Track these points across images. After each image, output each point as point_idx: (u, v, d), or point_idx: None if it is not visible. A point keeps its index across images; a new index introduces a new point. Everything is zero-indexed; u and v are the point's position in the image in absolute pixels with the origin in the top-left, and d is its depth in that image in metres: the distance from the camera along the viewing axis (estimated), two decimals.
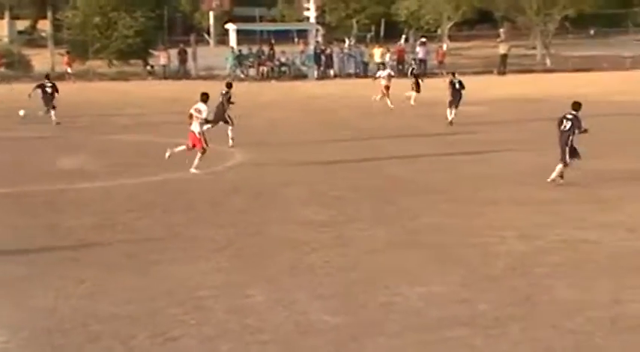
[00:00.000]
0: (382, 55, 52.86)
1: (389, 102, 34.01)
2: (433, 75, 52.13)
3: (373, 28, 64.33)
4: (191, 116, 20.90)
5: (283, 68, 52.20)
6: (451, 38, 65.10)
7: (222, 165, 22.30)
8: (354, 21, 67.52)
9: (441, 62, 54.23)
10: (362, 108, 35.03)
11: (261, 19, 73.87)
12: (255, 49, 52.79)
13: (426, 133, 27.55)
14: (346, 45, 56.25)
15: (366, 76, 51.36)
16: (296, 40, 57.85)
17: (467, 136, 26.26)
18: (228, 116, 25.00)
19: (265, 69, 51.85)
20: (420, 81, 36.39)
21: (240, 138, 24.85)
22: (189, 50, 51.79)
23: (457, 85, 30.05)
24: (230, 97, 25.35)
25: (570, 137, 18.82)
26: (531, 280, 11.88)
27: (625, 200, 16.97)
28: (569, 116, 18.93)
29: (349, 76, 51.91)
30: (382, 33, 62.88)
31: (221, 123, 24.65)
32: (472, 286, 11.65)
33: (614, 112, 31.56)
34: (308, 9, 60.18)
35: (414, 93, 35.58)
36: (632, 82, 41.46)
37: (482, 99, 35.23)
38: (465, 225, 15.28)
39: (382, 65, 36.43)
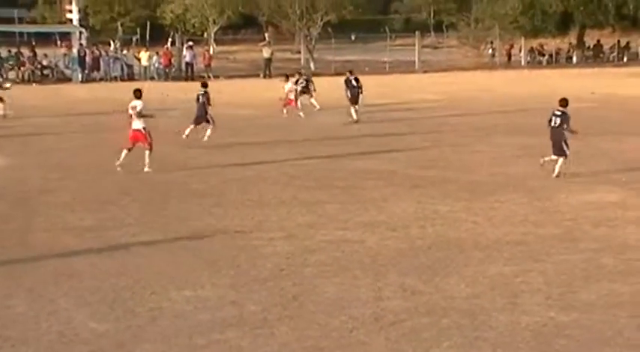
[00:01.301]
0: (149, 59, 52.56)
1: (300, 114, 32.58)
2: (201, 78, 52.28)
3: (139, 31, 63.79)
4: (131, 115, 20.68)
5: (46, 71, 50.86)
6: (217, 42, 65.47)
7: None
8: (118, 24, 66.68)
9: (207, 65, 54.39)
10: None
11: (21, 20, 71.65)
12: (15, 51, 51.12)
13: (196, 136, 27.47)
14: (112, 48, 55.48)
15: (131, 80, 50.88)
16: (59, 42, 56.50)
17: (235, 140, 26.42)
18: (210, 116, 24.78)
19: (26, 72, 50.32)
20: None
21: (1, 144, 23.98)
22: None
23: (354, 82, 30.56)
24: (209, 97, 25.07)
25: (563, 132, 19.53)
26: (298, 280, 12.10)
27: (387, 201, 17.54)
28: (558, 112, 19.63)
29: (115, 79, 51.20)
30: (148, 36, 62.44)
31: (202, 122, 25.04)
32: (241, 288, 11.74)
33: (375, 116, 32.60)
34: (70, 11, 58.88)
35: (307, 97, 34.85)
36: (391, 85, 43.00)
37: (249, 102, 35.58)
38: (233, 227, 15.37)
39: (285, 78, 35.50)
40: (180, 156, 23.59)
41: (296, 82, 34.32)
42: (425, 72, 55.85)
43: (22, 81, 49.60)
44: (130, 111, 20.90)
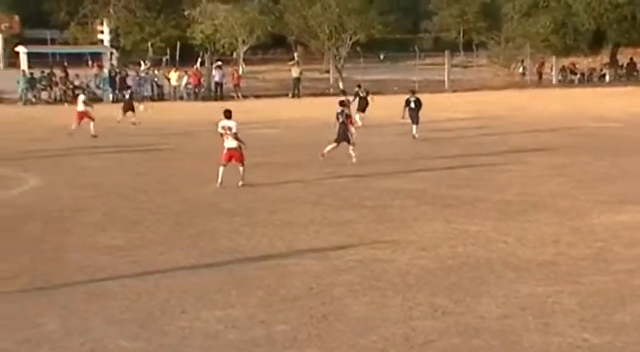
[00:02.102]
0: (179, 79, 52.83)
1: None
2: (230, 98, 52.48)
3: (169, 51, 64.21)
4: (222, 135, 21.39)
5: (77, 91, 51.17)
6: (246, 62, 65.74)
7: (15, 190, 21.65)
8: (149, 44, 67.12)
9: (236, 85, 54.59)
10: (160, 130, 34.77)
11: (54, 41, 72.39)
12: (47, 72, 51.61)
13: None
14: (142, 68, 55.86)
15: (162, 99, 51.17)
16: (90, 63, 56.99)
17: (263, 159, 26.45)
18: (350, 134, 24.94)
19: (58, 92, 50.72)
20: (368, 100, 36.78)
21: (35, 163, 24.18)
22: None
23: (413, 104, 30.91)
24: (349, 115, 25.33)
25: None
26: (328, 300, 12.08)
27: (417, 220, 17.49)
28: None
29: (145, 99, 51.48)
30: (178, 56, 62.83)
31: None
32: (270, 307, 11.74)
33: (404, 135, 32.59)
34: (102, 32, 59.42)
35: (360, 114, 35.90)
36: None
37: (276, 121, 35.65)
38: (262, 246, 15.39)
39: (343, 93, 36.58)
40: (209, 175, 23.64)
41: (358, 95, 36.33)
42: (455, 91, 55.76)
43: (54, 101, 50.00)
44: (221, 131, 21.56)
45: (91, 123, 32.85)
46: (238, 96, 53.10)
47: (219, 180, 21.41)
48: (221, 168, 21.51)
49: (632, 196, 19.65)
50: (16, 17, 72.18)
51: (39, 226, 17.45)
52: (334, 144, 25.19)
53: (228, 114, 21.69)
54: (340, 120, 25.35)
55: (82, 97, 34.79)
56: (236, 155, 21.60)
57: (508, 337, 10.45)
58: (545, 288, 12.48)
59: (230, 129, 21.47)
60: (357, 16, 60.69)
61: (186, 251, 15.13)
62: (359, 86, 38.37)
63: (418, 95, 32.55)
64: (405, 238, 15.85)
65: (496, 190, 20.78)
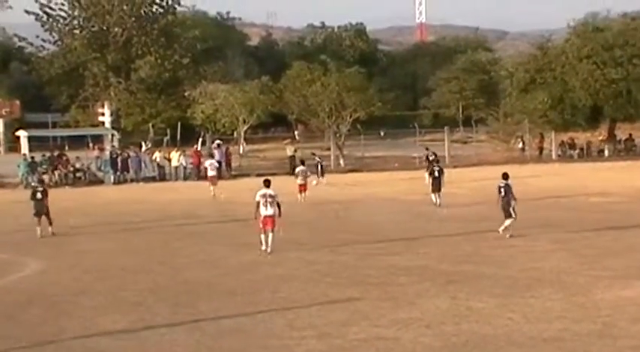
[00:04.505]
0: (179, 159, 52.98)
1: (299, 198, 36.38)
2: (233, 176, 52.62)
3: (169, 131, 64.62)
4: (258, 203, 22.96)
5: (78, 174, 51.37)
6: (247, 140, 66.09)
7: (15, 275, 21.57)
8: (150, 125, 67.59)
9: (228, 164, 54.62)
10: (162, 212, 34.77)
11: (55, 125, 72.92)
12: (48, 155, 51.83)
13: (226, 234, 27.56)
14: (143, 149, 56.16)
15: (163, 180, 51.24)
16: (91, 145, 57.32)
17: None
18: (513, 209, 25.03)
19: (59, 175, 50.85)
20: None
21: (35, 247, 24.12)
22: None
23: (437, 173, 31.81)
24: (511, 190, 25.20)
25: None
26: None
27: (420, 297, 17.37)
28: None
29: (146, 180, 51.60)
30: (179, 136, 63.18)
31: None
32: None
33: (406, 211, 32.61)
34: (103, 114, 59.84)
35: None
36: (421, 179, 42.85)
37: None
38: (264, 326, 15.27)
39: (301, 162, 39.78)
40: (210, 255, 23.59)
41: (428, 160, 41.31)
42: (455, 167, 55.82)
43: (55, 184, 50.08)
44: (259, 199, 23.02)
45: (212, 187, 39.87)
46: (230, 176, 53.09)
47: (264, 247, 22.98)
48: (262, 236, 23.17)
49: (636, 271, 19.53)
50: (17, 102, 72.75)
51: (39, 311, 17.32)
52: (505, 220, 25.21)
53: (267, 184, 23.33)
54: (502, 193, 25.36)
55: (210, 164, 42.61)
56: (271, 221, 22.94)
57: None
58: None
59: (272, 196, 23.11)
60: (356, 94, 61.27)
61: (188, 332, 15.00)
62: (427, 149, 43.43)
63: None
64: (409, 315, 15.73)
65: (499, 266, 20.68)
